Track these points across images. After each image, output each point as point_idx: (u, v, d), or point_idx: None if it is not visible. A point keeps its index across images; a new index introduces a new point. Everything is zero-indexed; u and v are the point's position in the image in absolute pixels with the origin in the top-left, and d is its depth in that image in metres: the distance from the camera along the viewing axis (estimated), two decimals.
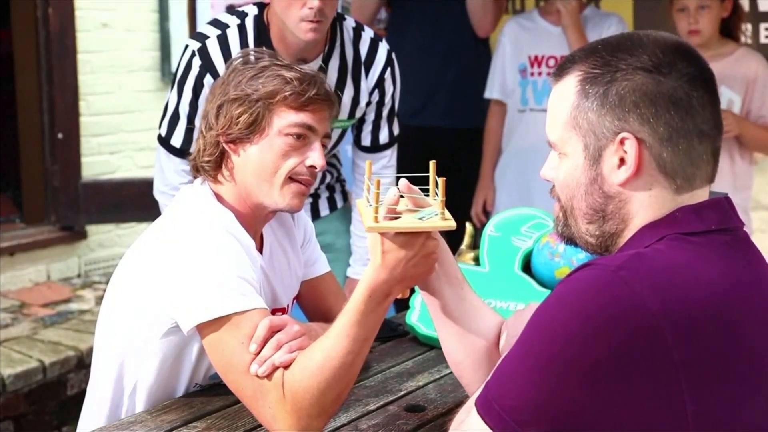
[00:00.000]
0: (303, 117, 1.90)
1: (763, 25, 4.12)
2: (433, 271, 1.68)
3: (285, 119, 1.89)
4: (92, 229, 5.01)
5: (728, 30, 3.62)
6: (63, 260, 4.91)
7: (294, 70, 1.91)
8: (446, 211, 1.58)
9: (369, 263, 1.64)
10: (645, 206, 1.37)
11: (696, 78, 1.36)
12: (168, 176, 2.71)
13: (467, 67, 4.04)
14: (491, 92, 3.93)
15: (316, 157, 1.91)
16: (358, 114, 2.82)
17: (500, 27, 4.03)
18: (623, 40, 1.39)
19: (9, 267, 4.66)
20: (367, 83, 2.78)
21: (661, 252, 1.31)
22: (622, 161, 1.35)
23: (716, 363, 1.26)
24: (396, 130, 2.92)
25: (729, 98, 3.57)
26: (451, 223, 1.57)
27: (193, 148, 2.01)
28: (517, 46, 3.84)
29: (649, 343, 1.23)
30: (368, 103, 2.81)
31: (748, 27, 3.96)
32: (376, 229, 1.56)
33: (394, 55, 2.83)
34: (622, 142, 1.34)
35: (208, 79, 2.60)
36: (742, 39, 3.84)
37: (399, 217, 1.58)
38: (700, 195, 1.38)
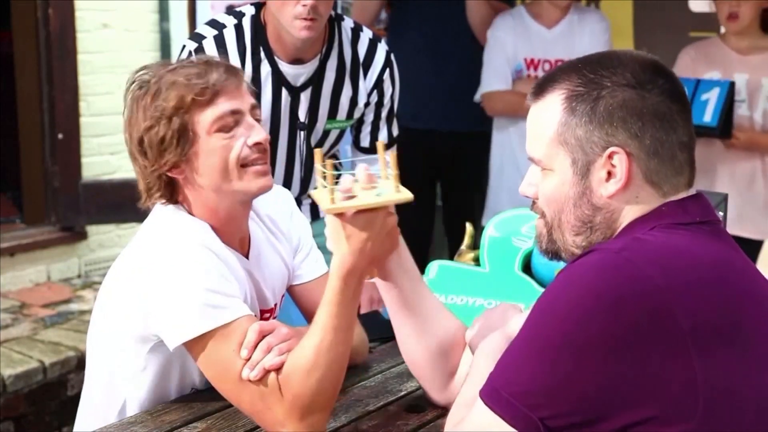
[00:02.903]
0: (220, 107, 1.83)
1: None
2: (397, 247, 1.71)
3: (206, 119, 1.83)
4: (92, 230, 5.01)
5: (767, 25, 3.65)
6: (63, 261, 4.91)
7: (186, 67, 1.86)
8: (400, 185, 1.59)
9: (334, 252, 1.63)
10: (632, 212, 1.43)
11: (674, 92, 1.43)
12: None
13: (467, 70, 4.03)
14: (491, 84, 3.86)
15: (255, 133, 1.86)
16: (357, 115, 2.81)
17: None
18: (602, 58, 1.46)
19: (9, 267, 4.66)
20: (366, 84, 2.78)
21: (657, 236, 1.38)
22: (609, 174, 1.41)
23: (721, 331, 1.31)
24: (395, 132, 2.92)
25: None
26: (407, 195, 1.59)
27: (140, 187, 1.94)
28: (511, 48, 3.83)
29: (657, 317, 1.27)
30: (367, 104, 2.81)
31: None
32: (335, 209, 1.56)
33: (393, 57, 2.83)
34: (610, 156, 1.40)
35: None
36: None
37: (354, 197, 1.58)
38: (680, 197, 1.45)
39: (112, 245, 5.04)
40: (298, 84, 2.70)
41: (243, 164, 1.86)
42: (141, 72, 1.89)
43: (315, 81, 2.71)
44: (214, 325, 1.73)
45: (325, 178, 1.60)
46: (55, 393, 3.87)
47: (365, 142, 2.89)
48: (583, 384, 1.27)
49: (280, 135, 2.72)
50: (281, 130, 2.72)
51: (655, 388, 1.27)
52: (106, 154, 5.07)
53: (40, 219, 4.89)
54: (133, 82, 1.88)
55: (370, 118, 2.85)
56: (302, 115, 2.72)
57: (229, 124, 1.85)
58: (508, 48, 3.83)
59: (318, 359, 1.67)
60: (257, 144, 1.86)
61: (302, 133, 2.74)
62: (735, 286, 1.37)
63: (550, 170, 1.46)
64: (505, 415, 1.31)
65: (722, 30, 3.73)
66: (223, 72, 1.85)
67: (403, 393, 2.00)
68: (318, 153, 1.67)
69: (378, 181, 1.63)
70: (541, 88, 1.47)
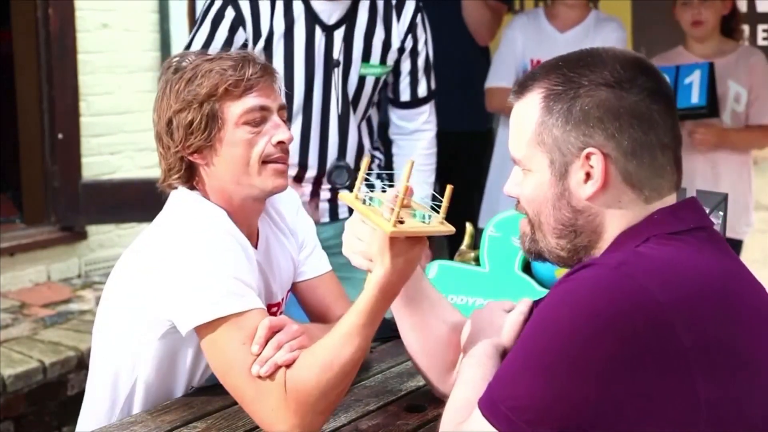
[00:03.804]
0: (251, 101, 1.87)
1: (761, 27, 4.14)
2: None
3: (235, 110, 1.87)
4: (92, 230, 5.01)
5: (728, 30, 3.72)
6: (63, 261, 4.91)
7: (224, 59, 1.89)
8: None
9: (377, 266, 1.64)
10: (617, 217, 1.40)
11: (656, 92, 1.39)
12: None
13: (465, 70, 4.03)
14: (495, 80, 3.88)
15: (280, 132, 1.90)
16: (390, 60, 2.82)
17: (506, 22, 4.02)
18: (583, 56, 1.43)
19: (9, 267, 4.66)
20: (399, 28, 2.80)
21: (655, 249, 1.35)
22: (588, 176, 1.38)
23: (723, 348, 1.29)
24: (433, 84, 2.94)
25: (736, 91, 3.64)
26: (451, 228, 1.63)
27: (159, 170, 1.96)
28: (523, 46, 3.83)
29: (658, 334, 1.25)
30: (401, 50, 2.82)
31: (745, 28, 4.01)
32: (398, 233, 1.59)
33: (422, 3, 2.84)
34: (587, 157, 1.37)
35: (229, 12, 2.66)
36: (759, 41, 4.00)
37: (402, 221, 1.60)
38: (669, 202, 1.42)
39: (112, 245, 5.04)
40: (332, 22, 2.72)
41: (264, 161, 1.90)
42: (178, 57, 1.94)
43: (348, 19, 2.73)
44: (229, 310, 1.74)
45: (361, 190, 1.64)
46: (55, 393, 3.87)
47: (405, 95, 2.90)
48: (582, 402, 1.26)
49: (315, 78, 2.73)
50: (316, 72, 2.73)
51: (657, 406, 1.25)
52: (106, 154, 5.07)
53: (39, 219, 4.89)
54: (170, 66, 1.92)
55: (407, 67, 2.87)
56: (337, 54, 2.73)
57: (256, 119, 1.88)
58: (517, 47, 3.82)
59: (333, 361, 1.68)
60: (281, 143, 1.90)
61: (338, 73, 2.75)
62: (735, 299, 1.35)
63: (529, 171, 1.44)
64: (503, 429, 1.30)
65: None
66: (259, 69, 1.89)
67: (403, 392, 2.00)
68: (366, 160, 1.69)
69: (413, 203, 1.66)
70: (522, 87, 1.45)
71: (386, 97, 3.00)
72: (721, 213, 2.04)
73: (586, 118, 1.37)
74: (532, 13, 4.00)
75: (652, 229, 1.38)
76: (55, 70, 4.78)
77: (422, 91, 2.93)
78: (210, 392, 1.94)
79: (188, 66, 1.89)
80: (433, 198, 1.65)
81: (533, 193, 1.44)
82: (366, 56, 2.77)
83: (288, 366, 1.70)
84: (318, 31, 2.71)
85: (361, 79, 2.80)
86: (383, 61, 2.80)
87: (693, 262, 1.34)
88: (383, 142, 3.15)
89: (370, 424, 1.85)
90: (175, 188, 1.94)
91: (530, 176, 1.44)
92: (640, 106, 1.37)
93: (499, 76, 3.84)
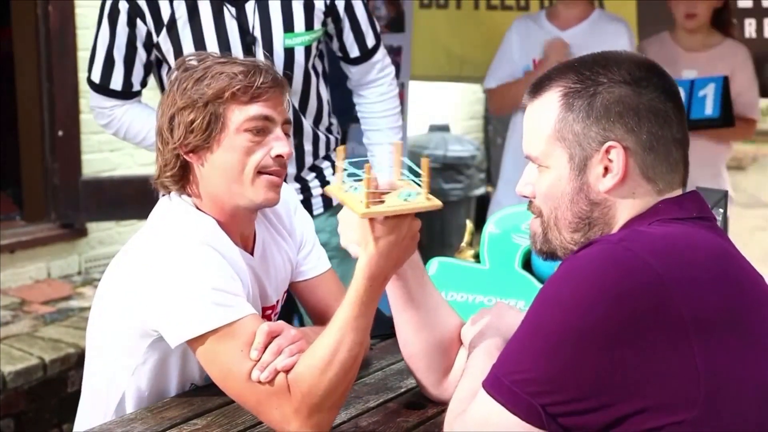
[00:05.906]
0: (257, 109, 1.86)
1: (767, 21, 4.14)
2: (415, 250, 1.71)
3: (239, 116, 1.85)
4: (92, 227, 5.01)
5: (720, 23, 3.80)
6: (63, 258, 4.91)
7: (237, 64, 1.88)
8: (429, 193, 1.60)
9: (361, 253, 1.63)
10: (629, 207, 1.45)
11: (668, 91, 1.45)
12: (96, 116, 2.85)
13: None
14: (493, 82, 3.89)
15: (280, 145, 1.88)
16: (317, 24, 2.61)
17: (508, 24, 4.01)
18: (597, 57, 1.49)
19: (9, 264, 4.66)
20: None
21: (656, 228, 1.40)
22: (606, 169, 1.43)
23: (721, 319, 1.33)
24: (378, 29, 2.76)
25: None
26: (438, 202, 1.59)
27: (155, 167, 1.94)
28: (523, 47, 3.83)
29: (659, 305, 1.29)
30: (331, 9, 2.61)
31: (752, 22, 4.04)
32: (371, 214, 1.56)
33: None
34: (608, 150, 1.42)
35: (122, 5, 2.59)
36: (747, 34, 4.04)
37: (382, 201, 1.58)
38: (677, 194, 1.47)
39: (112, 242, 5.04)
40: None
41: (260, 171, 1.88)
42: (191, 57, 1.93)
43: None
44: (218, 323, 1.73)
45: (343, 174, 1.61)
46: (55, 390, 3.87)
47: (354, 51, 2.73)
48: (584, 372, 1.29)
49: None
50: (233, 53, 2.48)
51: (657, 376, 1.28)
52: (106, 151, 5.06)
53: (40, 216, 4.89)
54: (182, 64, 1.92)
55: (347, 24, 2.68)
56: (253, 30, 2.54)
57: (258, 127, 1.87)
58: (512, 49, 3.83)
59: (334, 358, 1.67)
60: (279, 156, 1.88)
61: (258, 50, 2.53)
62: (733, 275, 1.39)
63: (546, 167, 1.47)
64: (507, 402, 1.33)
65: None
66: (270, 79, 1.88)
67: (403, 390, 2.00)
68: (340, 150, 1.67)
69: (402, 182, 1.64)
70: (538, 87, 1.49)
71: (336, 56, 2.80)
72: (721, 210, 2.04)
73: (607, 113, 1.42)
74: (534, 15, 4.01)
75: (655, 216, 1.42)
76: (55, 67, 4.78)
77: (370, 41, 2.74)
78: (210, 390, 1.93)
79: (199, 66, 1.89)
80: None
81: (551, 190, 1.47)
82: (288, 26, 2.56)
83: (288, 371, 1.70)
84: (227, 7, 2.51)
85: (289, 52, 2.57)
86: (309, 26, 2.58)
87: (692, 240, 1.39)
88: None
89: (369, 421, 1.85)
90: (168, 192, 1.93)
91: (547, 173, 1.47)
92: (656, 103, 1.42)
93: (493, 78, 3.88)
